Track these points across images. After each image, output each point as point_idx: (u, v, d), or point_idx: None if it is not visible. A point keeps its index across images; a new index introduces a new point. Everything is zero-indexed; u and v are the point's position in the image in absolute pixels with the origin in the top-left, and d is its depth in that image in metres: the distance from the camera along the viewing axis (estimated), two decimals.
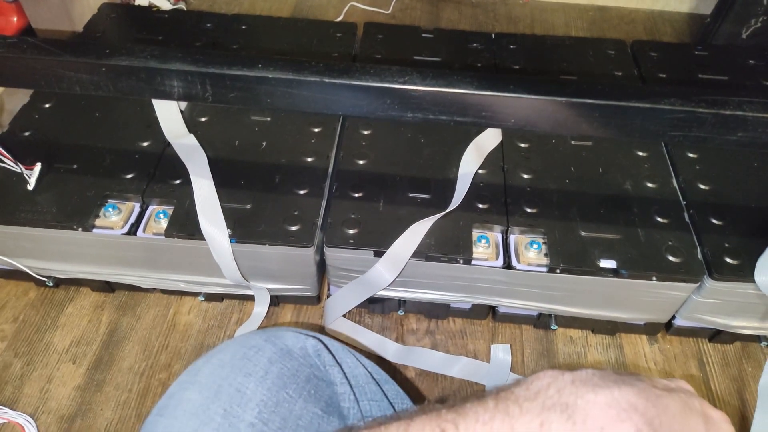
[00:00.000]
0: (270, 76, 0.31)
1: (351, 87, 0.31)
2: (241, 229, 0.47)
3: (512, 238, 0.49)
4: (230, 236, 0.47)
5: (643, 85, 0.28)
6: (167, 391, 0.31)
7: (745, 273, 0.45)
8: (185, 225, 0.47)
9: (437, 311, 0.53)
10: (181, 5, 0.84)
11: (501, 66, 0.62)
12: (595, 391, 0.24)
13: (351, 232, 0.47)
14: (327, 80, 0.30)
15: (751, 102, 0.29)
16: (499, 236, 0.49)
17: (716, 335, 0.52)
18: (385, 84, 0.31)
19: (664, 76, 0.61)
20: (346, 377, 0.33)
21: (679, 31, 0.83)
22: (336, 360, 0.33)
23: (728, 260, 0.46)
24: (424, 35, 0.66)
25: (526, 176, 0.52)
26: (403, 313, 0.53)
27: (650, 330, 0.52)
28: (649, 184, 0.51)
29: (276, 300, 0.53)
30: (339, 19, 0.81)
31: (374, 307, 0.54)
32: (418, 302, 0.52)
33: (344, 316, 0.53)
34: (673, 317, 0.51)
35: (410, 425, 0.24)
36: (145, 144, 0.53)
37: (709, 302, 0.47)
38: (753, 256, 0.46)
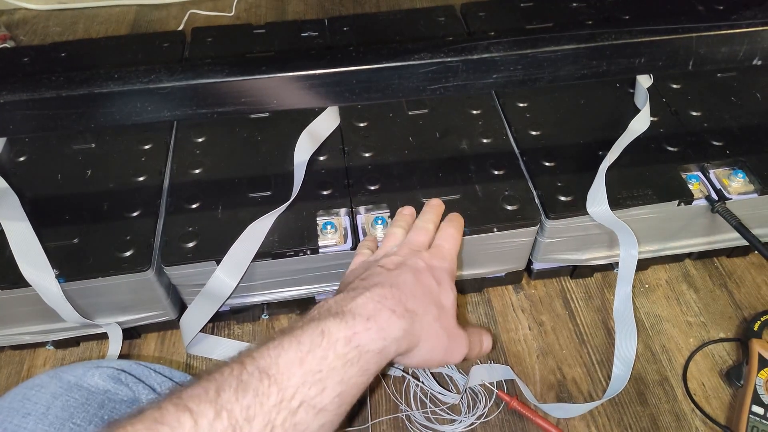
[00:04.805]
0: (2, 101, 0.28)
1: (95, 96, 0.29)
2: (70, 267, 0.44)
3: (359, 219, 0.48)
4: (58, 276, 0.44)
5: (395, 44, 0.28)
6: None
7: (578, 207, 0.47)
8: (7, 274, 0.44)
9: (306, 307, 0.52)
10: (9, 44, 0.78)
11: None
12: (355, 298, 0.31)
13: (189, 245, 0.45)
14: (65, 94, 0.28)
15: (499, 43, 0.30)
16: (347, 219, 0.48)
17: (575, 271, 0.54)
18: (129, 86, 0.29)
19: (493, 33, 0.62)
20: (154, 391, 0.32)
21: None
22: (139, 378, 0.32)
23: (561, 198, 0.47)
24: (255, 31, 0.64)
25: (366, 155, 0.52)
26: (267, 317, 0.52)
27: (513, 279, 0.53)
28: (485, 140, 0.52)
29: (136, 332, 0.51)
30: (180, 28, 0.78)
31: (243, 316, 0.52)
32: (283, 302, 0.51)
33: (212, 332, 0.51)
34: (531, 263, 0.52)
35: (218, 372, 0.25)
36: None
37: (555, 241, 0.49)
38: (584, 191, 0.48)
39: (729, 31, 0.31)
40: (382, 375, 0.48)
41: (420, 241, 0.39)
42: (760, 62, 0.32)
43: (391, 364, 0.43)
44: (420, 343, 0.32)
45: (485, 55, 0.29)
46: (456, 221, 0.42)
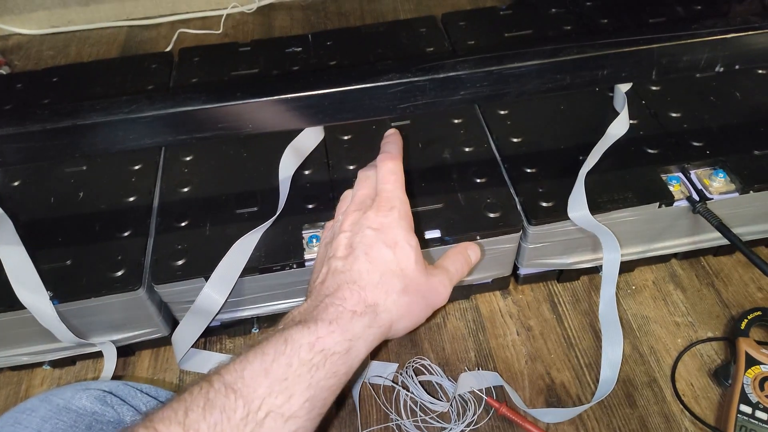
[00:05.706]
0: None
1: (79, 128, 0.30)
2: (63, 288, 0.45)
3: None
4: (52, 298, 0.45)
5: (366, 66, 0.29)
6: None
7: (560, 213, 0.47)
8: (2, 298, 0.45)
9: None
10: (4, 69, 0.80)
11: (319, 65, 0.63)
12: (317, 306, 0.31)
13: (178, 263, 0.46)
14: (50, 126, 0.29)
15: (465, 61, 0.31)
16: None
17: (562, 275, 0.54)
18: (112, 117, 0.30)
19: (473, 42, 0.63)
20: (139, 412, 0.33)
21: None
22: (124, 400, 0.33)
23: (543, 204, 0.48)
24: (241, 49, 0.65)
25: (350, 167, 0.53)
26: (257, 330, 0.53)
27: (500, 285, 0.54)
28: (467, 149, 0.53)
29: (130, 349, 0.52)
30: (169, 48, 0.80)
31: (234, 330, 0.53)
32: (273, 315, 0.52)
33: (204, 347, 0.52)
34: (518, 268, 0.53)
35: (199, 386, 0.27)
36: None
37: (538, 246, 0.50)
38: (565, 196, 0.48)
39: (690, 41, 0.31)
40: (372, 385, 0.49)
41: (363, 194, 0.39)
42: (722, 69, 0.32)
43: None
44: (395, 322, 0.33)
45: (451, 73, 0.30)
46: (389, 148, 0.39)
